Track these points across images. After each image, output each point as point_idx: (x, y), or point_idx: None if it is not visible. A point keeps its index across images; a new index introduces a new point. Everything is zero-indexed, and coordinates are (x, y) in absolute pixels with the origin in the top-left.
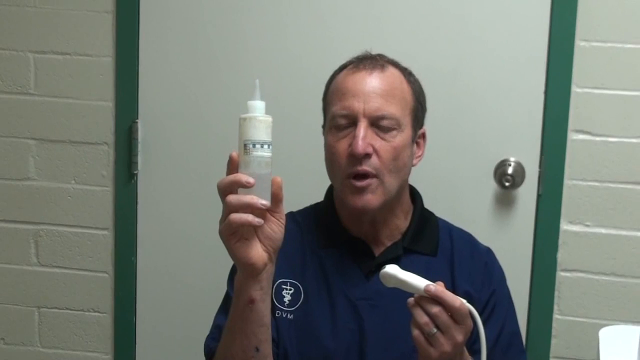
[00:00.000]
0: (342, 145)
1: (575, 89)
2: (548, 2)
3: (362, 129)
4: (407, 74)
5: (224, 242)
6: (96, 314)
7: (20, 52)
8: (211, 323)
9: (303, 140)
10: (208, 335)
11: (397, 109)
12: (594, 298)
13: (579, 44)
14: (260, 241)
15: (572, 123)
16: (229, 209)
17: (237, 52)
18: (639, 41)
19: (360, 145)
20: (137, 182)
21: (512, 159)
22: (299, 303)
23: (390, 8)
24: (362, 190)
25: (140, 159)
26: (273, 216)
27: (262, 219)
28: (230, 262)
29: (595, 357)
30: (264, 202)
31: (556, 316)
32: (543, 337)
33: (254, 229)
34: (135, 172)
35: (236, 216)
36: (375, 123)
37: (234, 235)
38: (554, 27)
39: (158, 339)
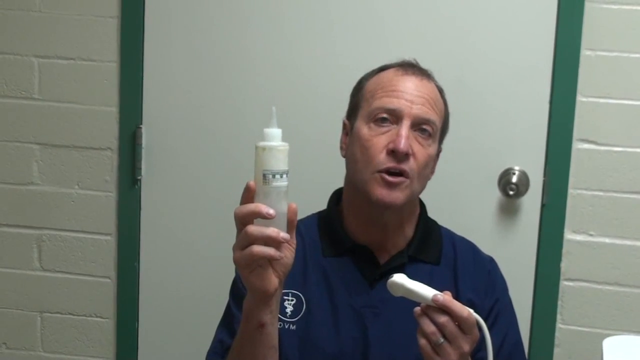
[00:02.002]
0: (380, 141)
1: (580, 98)
2: (554, 11)
3: (406, 128)
4: (442, 91)
5: (239, 269)
6: (99, 319)
7: (24, 56)
8: (214, 330)
9: (306, 147)
10: (210, 350)
11: (437, 119)
12: (598, 308)
13: (585, 53)
14: (272, 267)
15: (576, 132)
16: (249, 240)
17: (242, 57)
18: None
19: (404, 144)
20: (141, 187)
21: (516, 167)
22: (302, 313)
23: (396, 17)
24: (393, 186)
25: (143, 164)
26: (286, 241)
27: (278, 248)
28: (232, 270)
29: None
30: (285, 235)
31: (559, 326)
32: (546, 346)
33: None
34: (139, 177)
35: (259, 249)
36: (417, 127)
37: (250, 264)
38: (559, 36)
39: (161, 345)
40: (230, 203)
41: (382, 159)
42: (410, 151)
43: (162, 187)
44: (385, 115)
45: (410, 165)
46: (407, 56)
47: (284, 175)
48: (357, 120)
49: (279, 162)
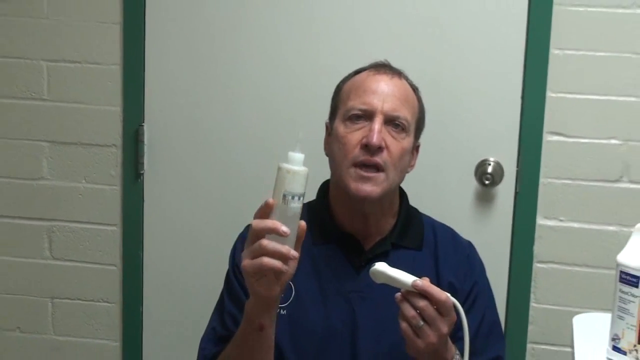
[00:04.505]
0: (355, 136)
1: (550, 94)
2: (524, 13)
3: (378, 123)
4: (416, 89)
5: (246, 277)
6: (105, 304)
7: (34, 60)
8: (211, 311)
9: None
10: (204, 335)
11: (409, 114)
12: (568, 287)
13: (554, 52)
14: (276, 277)
15: (547, 125)
16: (262, 252)
17: (237, 61)
18: (609, 49)
19: (376, 137)
20: (143, 181)
21: (491, 158)
22: (291, 299)
23: (380, 25)
24: (367, 180)
25: (146, 160)
26: (294, 258)
27: (286, 263)
28: (224, 256)
29: (569, 342)
30: (295, 253)
31: (533, 304)
32: (521, 324)
33: None
34: (142, 172)
35: (268, 261)
36: (389, 121)
37: (257, 273)
38: (530, 36)
39: (163, 328)
40: (227, 195)
41: (357, 153)
42: (383, 144)
43: (163, 180)
44: (359, 113)
45: (383, 158)
46: (391, 58)
47: (301, 198)
48: (335, 121)
49: (300, 185)
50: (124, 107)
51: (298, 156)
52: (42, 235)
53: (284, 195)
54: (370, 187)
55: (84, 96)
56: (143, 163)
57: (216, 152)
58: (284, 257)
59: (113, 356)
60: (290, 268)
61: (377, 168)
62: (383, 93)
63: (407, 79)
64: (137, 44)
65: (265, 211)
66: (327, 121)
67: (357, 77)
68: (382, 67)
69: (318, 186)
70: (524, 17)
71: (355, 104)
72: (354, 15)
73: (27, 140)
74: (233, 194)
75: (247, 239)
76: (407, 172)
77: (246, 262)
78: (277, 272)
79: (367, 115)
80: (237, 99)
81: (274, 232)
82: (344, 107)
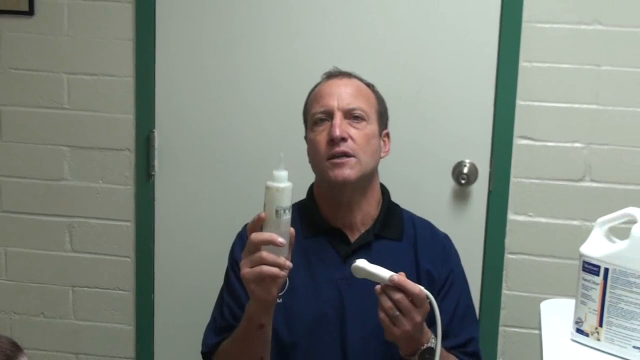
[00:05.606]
0: (322, 136)
1: (519, 102)
2: (497, 29)
3: (338, 118)
4: (371, 86)
5: (246, 284)
6: (121, 292)
7: (56, 73)
8: (215, 299)
9: (294, 148)
10: (207, 326)
11: (364, 104)
12: (536, 276)
13: (523, 64)
14: (272, 281)
15: (517, 130)
16: (262, 262)
17: (241, 72)
18: (572, 62)
19: (337, 130)
20: (154, 182)
21: (467, 160)
22: (285, 289)
23: (371, 46)
24: (341, 166)
25: (156, 162)
26: (289, 268)
27: (282, 270)
28: (226, 249)
29: (537, 325)
30: (290, 264)
31: (504, 291)
32: (493, 309)
33: None
34: (153, 173)
35: (267, 269)
36: (348, 115)
37: (256, 280)
38: (501, 50)
39: (173, 313)
40: (229, 195)
41: (326, 149)
42: (345, 135)
43: (172, 181)
44: (321, 116)
45: (349, 146)
46: (377, 72)
47: (290, 209)
48: (307, 132)
49: (288, 199)
50: (136, 114)
51: (283, 174)
52: (63, 230)
53: (277, 211)
54: (347, 170)
55: (101, 105)
56: (154, 165)
57: (221, 156)
58: (280, 267)
59: (127, 339)
60: (285, 274)
61: (346, 155)
62: (337, 93)
63: (358, 77)
64: (148, 58)
65: (258, 224)
66: (305, 136)
67: (315, 89)
68: (333, 74)
69: (307, 187)
70: (496, 33)
71: (317, 109)
72: (337, 34)
73: (50, 145)
74: (235, 194)
75: (245, 249)
76: (382, 157)
77: (246, 271)
78: (274, 278)
79: (328, 116)
80: (240, 106)
81: (272, 244)
82: (309, 116)
